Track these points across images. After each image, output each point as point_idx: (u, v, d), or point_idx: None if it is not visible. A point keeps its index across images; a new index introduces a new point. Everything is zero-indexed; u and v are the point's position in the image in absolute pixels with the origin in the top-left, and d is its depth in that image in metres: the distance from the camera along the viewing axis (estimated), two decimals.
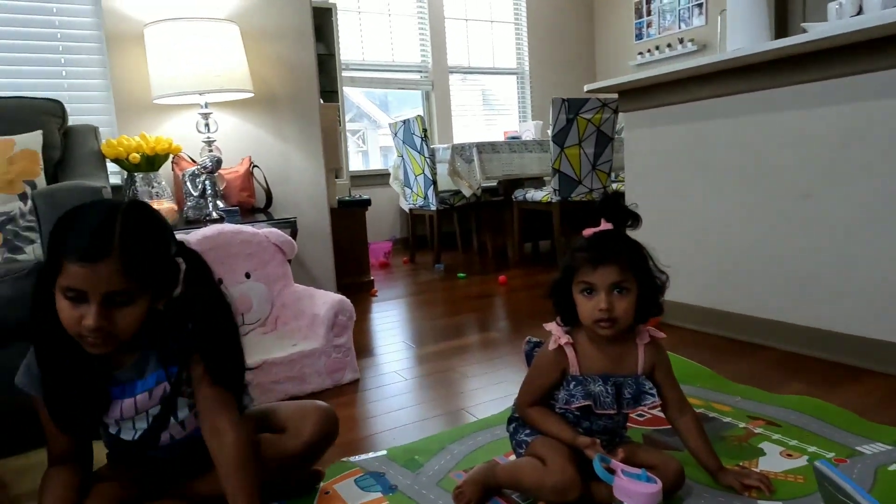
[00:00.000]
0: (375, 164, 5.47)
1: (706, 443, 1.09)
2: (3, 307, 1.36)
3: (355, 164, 5.24)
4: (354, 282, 3.18)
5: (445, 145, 3.89)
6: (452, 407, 1.66)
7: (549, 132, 3.53)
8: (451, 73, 5.36)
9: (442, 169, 3.87)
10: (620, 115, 3.37)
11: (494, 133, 5.57)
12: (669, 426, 1.13)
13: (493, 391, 1.75)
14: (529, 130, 4.33)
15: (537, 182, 4.11)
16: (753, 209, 1.99)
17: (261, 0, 2.49)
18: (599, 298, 0.98)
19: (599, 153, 3.57)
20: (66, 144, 1.99)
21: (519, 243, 3.94)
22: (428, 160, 3.81)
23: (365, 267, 3.32)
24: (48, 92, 2.15)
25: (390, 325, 2.65)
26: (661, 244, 1.06)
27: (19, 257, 1.63)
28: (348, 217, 3.21)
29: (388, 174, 4.85)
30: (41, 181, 1.78)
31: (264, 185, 2.47)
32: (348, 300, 1.87)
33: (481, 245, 4.45)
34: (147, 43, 2.17)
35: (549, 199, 3.59)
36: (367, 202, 3.32)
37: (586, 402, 1.02)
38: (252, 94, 2.35)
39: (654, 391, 1.05)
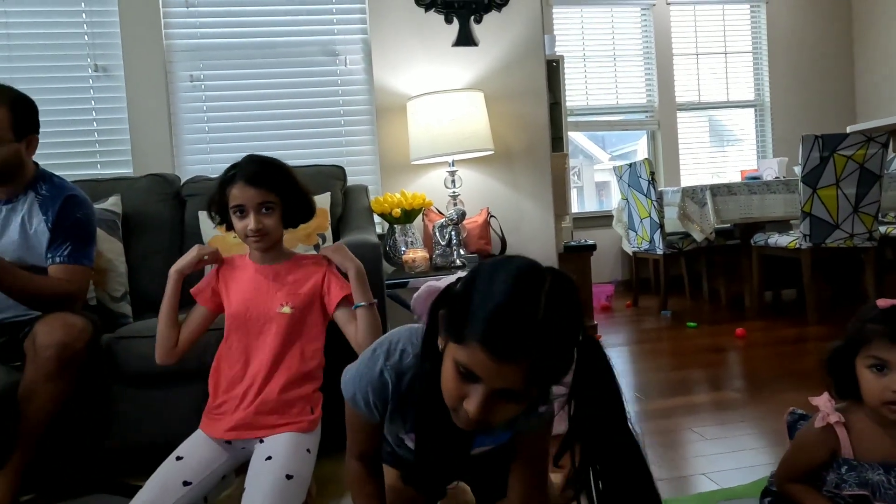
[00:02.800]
0: (590, 198, 5.49)
1: None
2: None
3: (572, 200, 5.34)
4: None
5: (675, 188, 3.77)
6: (690, 470, 1.61)
7: (798, 171, 3.21)
8: (679, 110, 5.17)
9: (670, 212, 3.74)
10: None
11: (727, 171, 5.21)
12: None
13: (735, 459, 1.65)
14: (771, 168, 3.97)
15: (781, 225, 3.74)
16: None
17: (502, 66, 2.75)
18: (893, 379, 0.91)
19: (863, 193, 3.14)
20: (345, 202, 2.40)
21: (758, 292, 3.61)
22: (655, 203, 3.72)
23: (588, 312, 3.34)
24: (333, 158, 2.64)
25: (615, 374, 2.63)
26: None
27: None
28: (573, 261, 3.28)
29: (608, 216, 4.83)
30: (328, 234, 2.18)
31: (499, 233, 2.67)
32: None
33: (713, 292, 4.16)
34: (409, 113, 2.53)
35: (798, 245, 3.24)
36: (593, 247, 3.35)
37: (862, 492, 0.94)
38: (492, 152, 2.59)
39: None
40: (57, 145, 2.50)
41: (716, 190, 3.54)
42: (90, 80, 2.54)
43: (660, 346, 3.07)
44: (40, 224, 1.65)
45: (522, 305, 0.72)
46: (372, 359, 0.93)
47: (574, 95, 4.95)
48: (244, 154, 2.57)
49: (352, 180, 2.55)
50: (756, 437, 1.81)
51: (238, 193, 1.39)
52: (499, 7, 2.73)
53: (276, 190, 1.42)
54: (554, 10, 4.89)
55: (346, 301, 1.46)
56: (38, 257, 1.64)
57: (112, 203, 2.09)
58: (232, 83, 2.65)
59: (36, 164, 1.73)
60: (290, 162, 2.47)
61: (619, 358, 2.87)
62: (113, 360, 1.63)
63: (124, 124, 2.56)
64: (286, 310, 1.42)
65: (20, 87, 1.65)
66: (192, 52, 2.61)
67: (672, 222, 3.76)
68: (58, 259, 1.62)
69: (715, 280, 4.11)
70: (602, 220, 4.95)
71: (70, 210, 1.66)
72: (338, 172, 2.42)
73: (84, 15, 2.52)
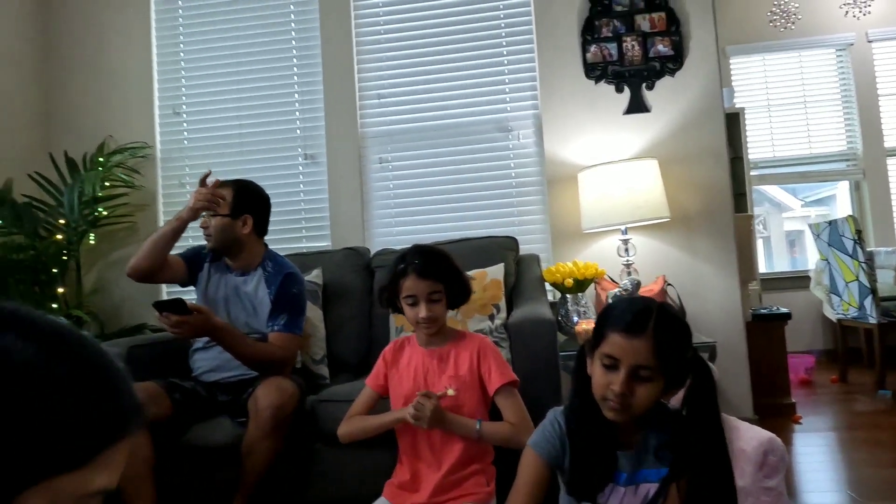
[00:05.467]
0: (780, 254, 4.96)
1: None
2: None
3: (758, 256, 4.89)
4: (772, 404, 2.90)
5: (889, 248, 3.30)
6: None
7: None
8: (890, 156, 4.54)
9: (885, 276, 3.27)
10: None
11: None
12: None
13: None
14: None
15: None
16: None
17: (677, 128, 2.68)
18: None
19: None
20: (517, 272, 2.47)
21: None
22: (863, 265, 3.28)
23: (784, 388, 3.00)
24: (505, 228, 2.74)
25: (821, 464, 2.31)
26: None
27: None
28: (764, 331, 2.99)
29: (803, 276, 4.33)
30: (502, 304, 2.25)
31: (678, 302, 2.54)
32: (779, 440, 1.73)
33: None
34: (580, 184, 2.57)
35: None
36: (787, 315, 3.03)
37: None
38: (668, 219, 2.51)
39: None
40: (273, 223, 2.92)
41: None
42: (300, 167, 2.97)
43: (878, 433, 2.64)
44: (265, 296, 1.95)
45: (641, 302, 1.03)
46: (548, 416, 1.17)
47: (758, 148, 4.62)
48: (426, 226, 2.87)
49: (523, 249, 2.62)
50: None
51: (411, 285, 1.50)
52: (672, 72, 2.69)
53: (442, 279, 1.53)
54: (731, 61, 4.66)
55: (505, 388, 1.52)
56: (263, 325, 1.92)
57: (315, 275, 2.38)
58: (415, 162, 2.91)
59: (265, 245, 2.05)
60: (465, 233, 2.67)
61: (827, 446, 2.52)
62: (315, 420, 1.82)
63: (325, 203, 2.92)
64: (450, 392, 1.49)
65: (249, 176, 2.02)
66: (381, 138, 2.93)
67: (888, 286, 3.27)
68: (275, 328, 1.89)
69: None
70: (795, 280, 4.45)
71: (289, 286, 1.94)
72: (510, 243, 2.50)
73: (297, 112, 2.98)
